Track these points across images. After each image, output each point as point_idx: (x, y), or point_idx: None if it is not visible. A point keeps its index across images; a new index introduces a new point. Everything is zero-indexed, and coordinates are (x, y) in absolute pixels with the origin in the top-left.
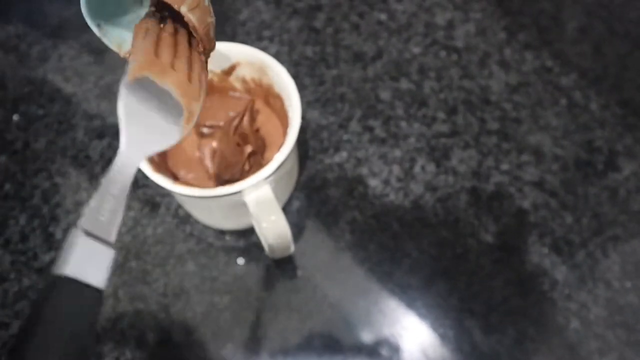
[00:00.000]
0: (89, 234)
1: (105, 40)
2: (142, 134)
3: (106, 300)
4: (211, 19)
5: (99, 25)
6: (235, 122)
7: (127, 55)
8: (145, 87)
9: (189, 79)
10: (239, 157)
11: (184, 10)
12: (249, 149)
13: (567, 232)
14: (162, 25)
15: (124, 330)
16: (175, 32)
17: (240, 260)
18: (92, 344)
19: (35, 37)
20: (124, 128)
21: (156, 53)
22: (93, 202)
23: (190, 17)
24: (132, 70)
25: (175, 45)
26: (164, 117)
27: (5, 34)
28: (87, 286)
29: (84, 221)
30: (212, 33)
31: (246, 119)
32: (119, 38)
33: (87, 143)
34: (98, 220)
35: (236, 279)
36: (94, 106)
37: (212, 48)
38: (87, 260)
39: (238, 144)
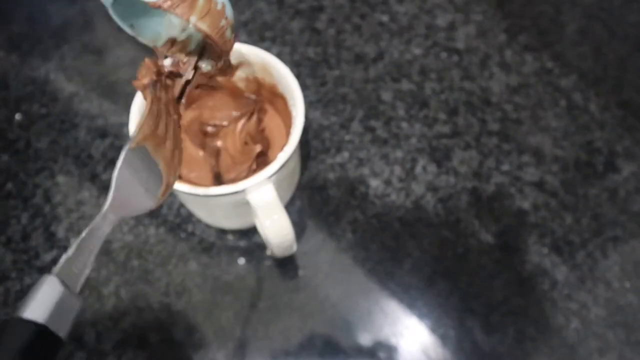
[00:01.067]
0: (62, 282)
1: (140, 39)
2: (124, 199)
3: (108, 299)
4: (225, 22)
5: (131, 26)
6: (242, 122)
7: (164, 52)
8: (140, 156)
9: (172, 156)
10: (247, 155)
11: (193, 20)
12: (258, 148)
13: (567, 232)
14: (167, 82)
15: (125, 329)
16: (172, 99)
17: (241, 260)
18: None
19: (38, 37)
20: (112, 192)
21: (156, 126)
22: (71, 252)
23: (201, 27)
24: (136, 139)
25: (168, 115)
26: (147, 186)
27: (7, 34)
28: (51, 333)
29: (59, 269)
30: (228, 34)
31: (254, 119)
32: (153, 33)
33: (89, 142)
34: (71, 271)
35: (238, 279)
36: (96, 106)
37: (229, 49)
38: (56, 308)
39: (246, 143)
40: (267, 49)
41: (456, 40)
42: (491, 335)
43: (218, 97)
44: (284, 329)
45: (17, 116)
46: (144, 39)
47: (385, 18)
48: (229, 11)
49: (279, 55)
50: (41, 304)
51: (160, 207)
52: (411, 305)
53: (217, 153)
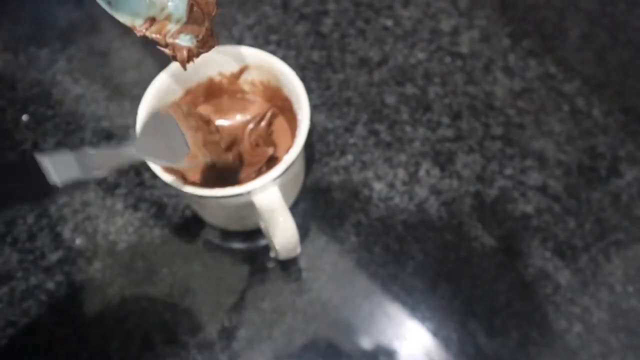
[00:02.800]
0: (76, 159)
1: (118, 17)
2: (149, 146)
3: (112, 299)
4: (207, 24)
5: (109, 3)
6: (253, 124)
7: (142, 32)
8: (166, 123)
9: (202, 143)
10: (258, 158)
11: None
12: (270, 151)
13: (570, 236)
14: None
15: (130, 330)
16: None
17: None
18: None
19: (45, 39)
20: (139, 134)
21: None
22: (93, 151)
23: None
24: (167, 108)
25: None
26: (171, 147)
27: (15, 36)
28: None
29: (77, 152)
30: None
31: (265, 121)
32: (131, 12)
33: (95, 144)
34: (86, 162)
35: (242, 280)
36: (102, 107)
37: (212, 11)
38: (62, 164)
39: (257, 145)
40: (272, 53)
41: (460, 44)
42: (494, 338)
43: (224, 100)
44: (287, 331)
45: (24, 117)
46: (122, 18)
47: (389, 22)
48: None
49: (284, 59)
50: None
51: (165, 208)
52: (414, 308)
53: (225, 154)
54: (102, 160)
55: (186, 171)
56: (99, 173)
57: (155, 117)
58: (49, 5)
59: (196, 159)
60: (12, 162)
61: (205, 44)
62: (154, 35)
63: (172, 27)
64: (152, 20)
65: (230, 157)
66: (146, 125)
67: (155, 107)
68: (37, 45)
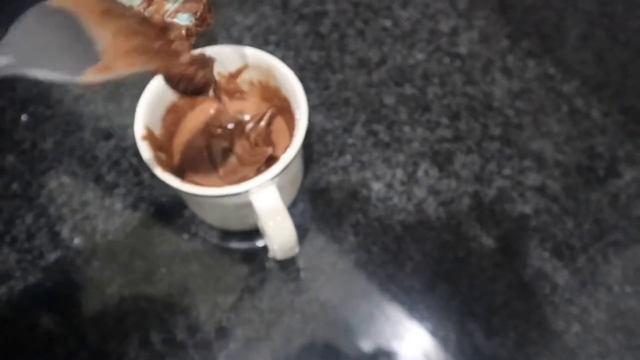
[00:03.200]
0: None
1: None
2: (28, 48)
3: (110, 299)
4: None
5: None
6: (252, 124)
7: (141, 10)
8: (61, 21)
9: (122, 40)
10: (257, 157)
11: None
12: (270, 151)
13: (568, 236)
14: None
15: (128, 330)
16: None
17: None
18: None
19: None
20: (9, 32)
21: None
22: None
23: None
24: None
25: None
26: (66, 50)
27: None
28: None
29: None
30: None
31: (264, 122)
32: None
33: (94, 143)
34: None
35: (240, 280)
36: (101, 107)
37: (212, 22)
38: None
39: (257, 144)
40: (271, 53)
41: (459, 45)
42: (492, 338)
43: (226, 99)
44: (285, 331)
45: (23, 117)
46: None
47: (388, 23)
48: None
49: (283, 59)
50: None
51: (164, 208)
52: (412, 308)
53: (223, 154)
54: None
55: (185, 169)
56: None
57: (42, 11)
58: None
59: (111, 70)
60: None
61: (203, 22)
62: (151, 15)
63: (169, 6)
64: (149, 0)
65: (191, 71)
66: (27, 20)
67: (154, 107)
68: None
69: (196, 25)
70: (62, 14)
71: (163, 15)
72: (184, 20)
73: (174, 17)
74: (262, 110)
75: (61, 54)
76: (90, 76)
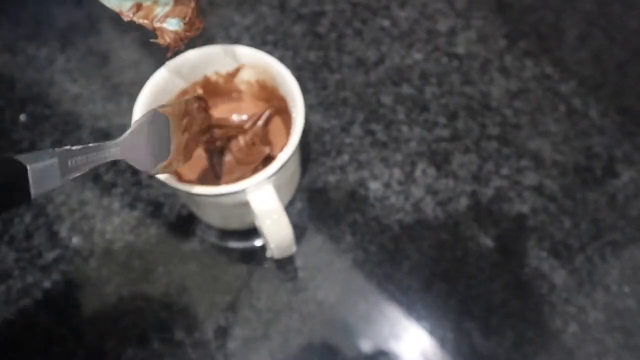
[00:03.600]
0: (59, 161)
1: (105, 3)
2: (132, 147)
3: (109, 298)
4: (193, 4)
5: None
6: (250, 123)
7: (129, 17)
8: (162, 123)
9: (184, 146)
10: (254, 157)
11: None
12: (267, 150)
13: (565, 236)
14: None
15: (126, 329)
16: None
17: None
18: None
19: (44, 39)
20: (129, 133)
21: (182, 115)
22: (75, 148)
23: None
24: (166, 109)
25: (193, 120)
26: (154, 152)
27: (14, 36)
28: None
29: (59, 151)
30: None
31: (261, 121)
32: None
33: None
34: (66, 162)
35: (238, 279)
36: (100, 107)
37: (200, 27)
38: (43, 171)
39: (254, 144)
40: (269, 53)
41: (457, 45)
42: (489, 338)
43: (220, 99)
44: (283, 330)
45: (22, 117)
46: (109, 3)
47: (386, 23)
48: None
49: (281, 59)
50: (35, 158)
51: (162, 207)
52: (410, 307)
53: (220, 153)
54: (85, 160)
55: (183, 168)
56: (77, 174)
57: (151, 116)
58: (47, 6)
59: (170, 167)
60: None
61: (192, 26)
62: (141, 21)
63: (159, 11)
64: (138, 5)
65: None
66: (139, 124)
67: (151, 105)
68: (36, 45)
69: (185, 30)
70: (162, 118)
71: (152, 20)
72: (172, 25)
73: (163, 21)
74: (260, 110)
75: (147, 153)
76: (159, 171)
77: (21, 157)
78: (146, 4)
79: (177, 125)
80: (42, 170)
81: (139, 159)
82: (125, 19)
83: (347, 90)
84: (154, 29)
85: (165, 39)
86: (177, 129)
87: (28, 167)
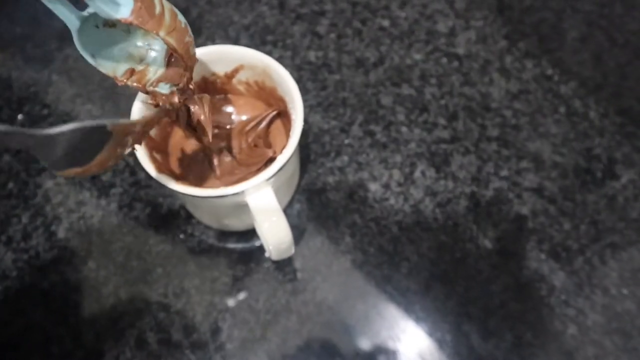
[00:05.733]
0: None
1: (101, 69)
2: (51, 146)
3: (107, 299)
4: (189, 39)
5: (93, 56)
6: (252, 124)
7: (123, 82)
8: (96, 135)
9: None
10: (256, 159)
11: (162, 34)
12: (270, 153)
13: (565, 238)
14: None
15: (123, 330)
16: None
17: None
18: None
19: (41, 39)
20: (53, 132)
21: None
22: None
23: (169, 40)
24: (113, 126)
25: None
26: (72, 157)
27: (11, 35)
28: None
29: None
30: (191, 50)
31: (265, 123)
32: (112, 65)
33: None
34: None
35: (236, 280)
36: (98, 107)
37: (193, 63)
38: None
39: (255, 145)
40: (269, 53)
41: (456, 46)
42: (488, 340)
43: (219, 100)
44: (281, 331)
45: (20, 117)
46: (104, 69)
47: (386, 23)
48: (190, 31)
49: (280, 59)
50: None
51: (160, 208)
52: (408, 309)
53: (220, 155)
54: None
55: (181, 170)
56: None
57: (95, 128)
58: (45, 6)
59: (83, 174)
60: None
61: (183, 93)
62: (134, 84)
63: (151, 75)
64: (132, 70)
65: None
66: (77, 129)
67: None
68: (33, 45)
69: (174, 98)
70: (107, 133)
71: (145, 85)
72: (164, 89)
73: (156, 86)
74: (258, 111)
75: (62, 156)
76: (66, 174)
77: None
78: (139, 68)
79: (120, 141)
80: None
81: (51, 157)
82: (120, 83)
83: (347, 91)
84: (147, 92)
85: (157, 101)
86: (117, 144)
87: None
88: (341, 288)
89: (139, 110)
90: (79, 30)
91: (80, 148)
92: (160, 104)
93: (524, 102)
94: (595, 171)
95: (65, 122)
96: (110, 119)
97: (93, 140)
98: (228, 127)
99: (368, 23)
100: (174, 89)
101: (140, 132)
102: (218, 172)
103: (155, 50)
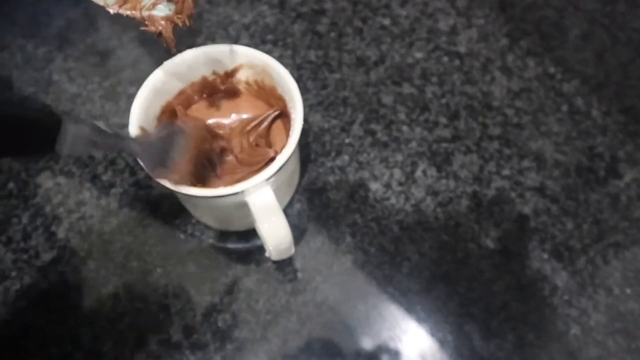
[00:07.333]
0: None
1: None
2: (150, 146)
3: (106, 299)
4: None
5: None
6: (254, 124)
7: (115, 9)
8: (180, 135)
9: (188, 166)
10: (258, 158)
11: None
12: (271, 153)
13: (567, 238)
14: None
15: (123, 330)
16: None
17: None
18: None
19: (42, 39)
20: (156, 133)
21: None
22: (100, 124)
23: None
24: (190, 133)
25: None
26: (163, 159)
27: (12, 35)
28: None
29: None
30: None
31: (266, 123)
32: None
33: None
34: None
35: (236, 280)
36: (98, 106)
37: (192, 7)
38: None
39: (257, 145)
40: (269, 52)
41: (458, 44)
42: (490, 340)
43: (219, 99)
44: (281, 332)
45: None
46: None
47: (387, 22)
48: None
49: (281, 59)
50: (72, 119)
51: (160, 208)
52: (410, 309)
53: (221, 154)
54: (111, 143)
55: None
56: (99, 151)
57: (175, 129)
58: (45, 4)
59: (175, 178)
60: (35, 114)
61: (183, 7)
62: (128, 12)
63: (145, 3)
64: None
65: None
66: (161, 130)
67: (149, 105)
68: (34, 44)
69: (177, 12)
70: (180, 128)
71: (141, 10)
72: (162, 11)
73: (152, 9)
74: (258, 110)
75: (158, 158)
76: (162, 176)
77: (60, 113)
78: None
79: (192, 145)
80: (73, 131)
81: (149, 160)
82: (112, 11)
83: (347, 90)
84: (143, 19)
85: (156, 27)
86: (189, 148)
87: (63, 122)
88: (342, 288)
89: (139, 108)
90: None
91: (170, 149)
92: (159, 27)
93: (526, 101)
94: (597, 170)
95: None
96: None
97: (177, 141)
98: (228, 126)
99: (369, 22)
100: (171, 7)
101: (204, 135)
102: (219, 171)
103: None
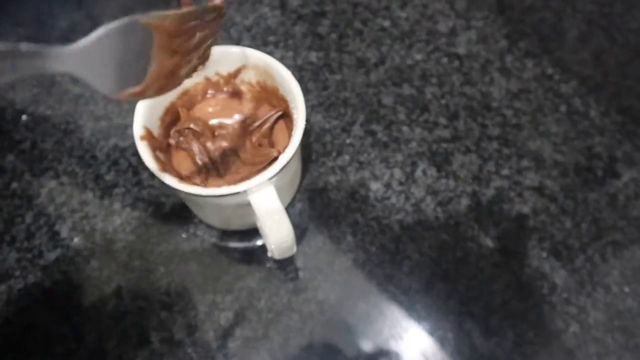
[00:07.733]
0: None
1: None
2: (92, 60)
3: (109, 298)
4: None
5: None
6: (257, 124)
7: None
8: (139, 39)
9: (168, 73)
10: (261, 158)
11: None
12: (275, 153)
13: (566, 236)
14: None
15: (126, 329)
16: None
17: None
18: None
19: (45, 40)
20: (87, 40)
21: (176, 34)
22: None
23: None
24: (150, 20)
25: (188, 51)
26: (121, 72)
27: (15, 36)
28: None
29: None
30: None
31: (269, 123)
32: None
33: (94, 143)
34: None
35: (238, 279)
36: (101, 107)
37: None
38: None
39: (260, 145)
40: (270, 53)
41: (457, 45)
42: (490, 338)
43: (222, 99)
44: (283, 330)
45: (24, 117)
46: None
47: (387, 23)
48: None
49: (282, 60)
50: None
51: (163, 207)
52: (410, 308)
53: (223, 154)
54: (13, 65)
55: (184, 169)
56: (15, 76)
57: (124, 25)
58: (49, 6)
59: (144, 93)
60: None
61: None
62: None
63: None
64: None
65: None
66: (106, 32)
67: (151, 106)
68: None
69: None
70: (142, 31)
71: None
72: None
73: None
74: (261, 111)
75: (111, 72)
76: (128, 96)
77: None
78: None
79: (165, 43)
80: None
81: (99, 77)
82: None
83: (348, 91)
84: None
85: None
86: (163, 48)
87: None
88: (343, 287)
89: (142, 110)
90: None
91: (126, 59)
92: None
93: (525, 102)
94: (596, 170)
95: (68, 123)
96: (140, 15)
97: (134, 44)
98: (231, 127)
99: (369, 23)
100: None
101: (187, 27)
102: (222, 171)
103: None
